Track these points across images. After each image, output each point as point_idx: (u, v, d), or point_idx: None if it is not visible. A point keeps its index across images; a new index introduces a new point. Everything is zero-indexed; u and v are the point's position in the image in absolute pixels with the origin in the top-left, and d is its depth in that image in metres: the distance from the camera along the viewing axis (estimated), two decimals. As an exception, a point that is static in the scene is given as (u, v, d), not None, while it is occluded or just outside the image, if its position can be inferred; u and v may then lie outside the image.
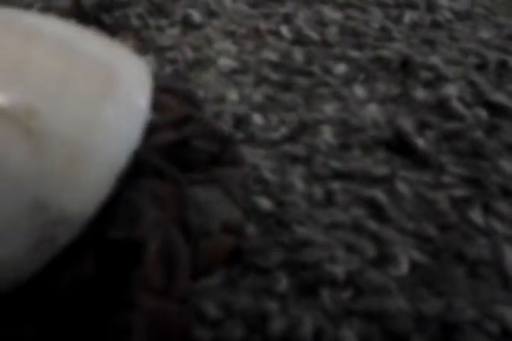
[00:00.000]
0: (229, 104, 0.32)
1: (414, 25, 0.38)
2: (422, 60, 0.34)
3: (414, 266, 0.24)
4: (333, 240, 0.25)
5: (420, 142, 0.29)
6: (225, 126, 0.30)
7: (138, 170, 0.21)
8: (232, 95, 0.32)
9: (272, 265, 0.24)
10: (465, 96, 0.32)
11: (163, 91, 0.23)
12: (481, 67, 0.34)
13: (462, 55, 0.35)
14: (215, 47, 0.36)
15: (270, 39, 0.37)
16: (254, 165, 0.28)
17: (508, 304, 0.23)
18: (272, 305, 0.23)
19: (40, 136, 0.18)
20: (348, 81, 0.33)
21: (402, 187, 0.27)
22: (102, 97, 0.20)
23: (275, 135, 0.30)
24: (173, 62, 0.35)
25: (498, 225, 0.26)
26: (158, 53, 0.36)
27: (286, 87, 0.33)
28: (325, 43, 0.36)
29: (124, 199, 0.20)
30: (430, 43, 0.36)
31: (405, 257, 0.25)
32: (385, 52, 0.35)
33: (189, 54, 0.35)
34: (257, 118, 0.31)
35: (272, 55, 0.35)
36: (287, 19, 0.38)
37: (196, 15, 0.39)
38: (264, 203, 0.26)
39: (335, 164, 0.28)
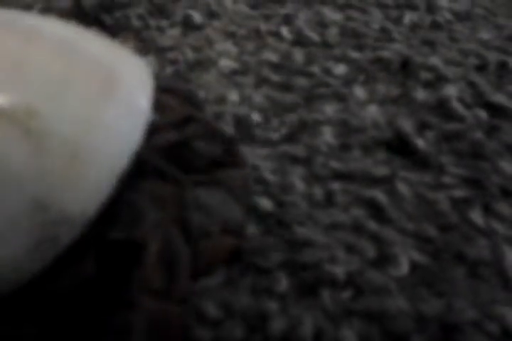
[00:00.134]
0: (229, 104, 0.32)
1: (414, 26, 0.38)
2: (422, 60, 0.34)
3: (414, 266, 0.24)
4: (333, 240, 0.25)
5: (420, 143, 0.29)
6: (226, 126, 0.30)
7: (139, 170, 0.21)
8: (233, 96, 0.32)
9: (272, 265, 0.24)
10: (465, 97, 0.32)
11: (163, 91, 0.23)
12: (481, 67, 0.34)
13: (462, 56, 0.35)
14: (216, 48, 0.36)
15: (270, 40, 0.37)
16: (255, 165, 0.28)
17: (508, 304, 0.23)
18: (272, 305, 0.23)
19: (40, 136, 0.18)
20: (348, 82, 0.33)
21: (402, 188, 0.27)
22: (103, 98, 0.20)
23: (275, 135, 0.30)
24: (173, 62, 0.35)
25: (498, 226, 0.26)
26: (159, 54, 0.36)
27: (286, 87, 0.33)
28: (325, 44, 0.36)
29: (125, 200, 0.20)
30: (430, 44, 0.36)
31: (405, 257, 0.25)
32: (385, 53, 0.35)
33: (190, 55, 0.36)
34: (258, 119, 0.31)
35: (272, 56, 0.35)
36: (287, 20, 0.38)
37: (197, 16, 0.39)
38: (265, 203, 0.26)
39: (335, 164, 0.28)
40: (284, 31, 0.37)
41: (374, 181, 0.28)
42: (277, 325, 0.22)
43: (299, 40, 0.37)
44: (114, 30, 0.38)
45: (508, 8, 0.40)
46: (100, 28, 0.37)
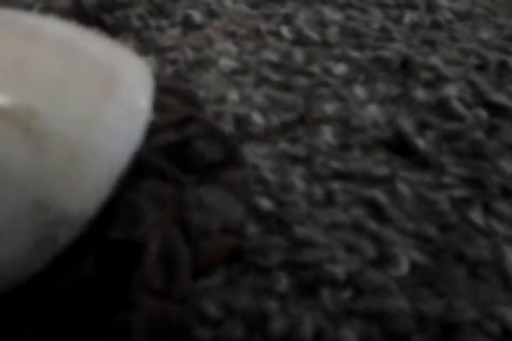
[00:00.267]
0: (229, 104, 0.32)
1: (415, 26, 0.38)
2: (422, 60, 0.34)
3: (414, 266, 0.24)
4: (333, 240, 0.25)
5: (420, 142, 0.29)
6: (226, 126, 0.30)
7: (139, 170, 0.21)
8: (233, 95, 0.32)
9: (272, 265, 0.24)
10: (465, 97, 0.32)
11: (164, 91, 0.23)
12: (481, 67, 0.34)
13: (462, 56, 0.35)
14: (216, 47, 0.36)
15: (270, 39, 0.37)
16: (255, 165, 0.28)
17: (508, 304, 0.23)
18: (272, 305, 0.23)
19: (41, 136, 0.18)
20: (348, 81, 0.33)
21: (402, 188, 0.27)
22: (103, 97, 0.20)
23: (275, 135, 0.30)
24: (173, 62, 0.35)
25: (498, 226, 0.26)
26: (159, 54, 0.36)
27: (286, 87, 0.33)
28: (325, 44, 0.36)
29: (125, 200, 0.20)
30: (430, 44, 0.36)
31: (405, 257, 0.25)
32: (385, 53, 0.35)
33: (190, 54, 0.36)
34: (258, 119, 0.31)
35: (272, 56, 0.35)
36: (287, 20, 0.38)
37: (197, 16, 0.39)
38: (265, 203, 0.26)
39: (335, 164, 0.28)
40: (284, 31, 0.37)
41: (374, 181, 0.28)
42: (277, 325, 0.22)
43: (299, 40, 0.37)
44: (114, 30, 0.38)
45: (509, 7, 0.40)
46: (100, 28, 0.37)
